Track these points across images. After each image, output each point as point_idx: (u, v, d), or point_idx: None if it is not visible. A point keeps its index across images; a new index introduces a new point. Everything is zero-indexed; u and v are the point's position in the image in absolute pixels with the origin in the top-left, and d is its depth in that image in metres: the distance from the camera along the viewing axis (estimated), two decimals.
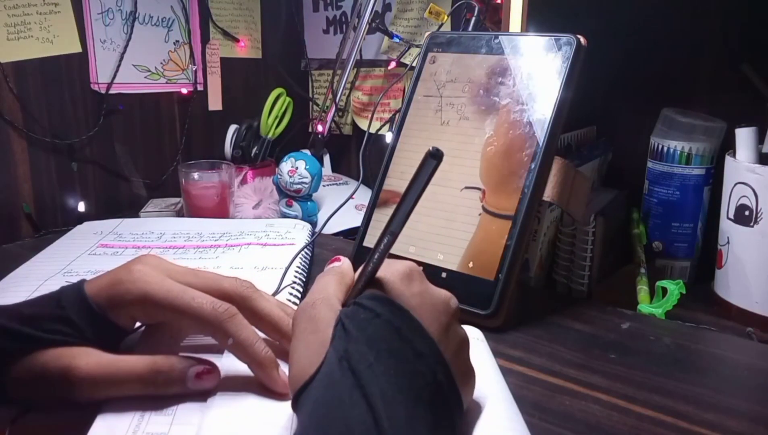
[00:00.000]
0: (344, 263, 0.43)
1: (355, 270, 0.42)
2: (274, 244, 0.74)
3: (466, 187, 0.63)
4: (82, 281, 0.44)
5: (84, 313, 0.42)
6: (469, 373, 0.40)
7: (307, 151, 1.03)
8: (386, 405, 0.31)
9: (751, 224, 0.66)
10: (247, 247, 0.74)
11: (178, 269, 0.45)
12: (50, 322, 0.42)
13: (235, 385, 0.42)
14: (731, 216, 0.68)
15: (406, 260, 0.41)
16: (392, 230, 0.38)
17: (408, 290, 0.38)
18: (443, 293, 0.40)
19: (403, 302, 0.37)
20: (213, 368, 0.42)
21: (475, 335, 0.51)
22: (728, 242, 0.69)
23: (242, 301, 0.45)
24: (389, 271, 0.39)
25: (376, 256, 0.39)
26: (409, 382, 0.33)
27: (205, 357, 0.43)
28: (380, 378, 0.32)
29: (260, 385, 0.42)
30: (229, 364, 0.43)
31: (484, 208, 0.62)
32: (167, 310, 0.43)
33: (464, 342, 0.40)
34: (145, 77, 1.02)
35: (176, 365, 0.41)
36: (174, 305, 0.42)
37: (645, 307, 0.66)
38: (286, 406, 0.40)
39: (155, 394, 0.41)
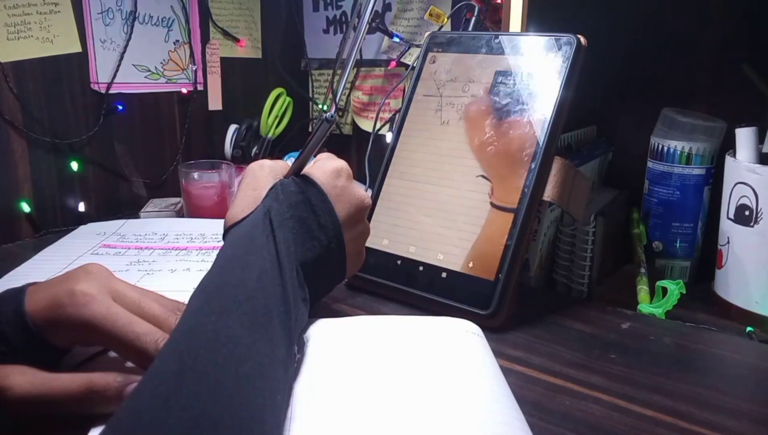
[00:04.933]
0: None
1: None
2: None
3: (480, 176, 0.63)
4: (24, 289, 0.41)
5: (20, 332, 0.40)
6: (359, 255, 0.57)
7: None
8: (284, 245, 0.45)
9: (751, 224, 0.66)
10: None
11: (125, 292, 0.43)
12: None
13: None
14: (731, 216, 0.68)
15: (343, 162, 0.54)
16: (327, 117, 0.49)
17: (333, 181, 0.52)
18: (360, 193, 0.54)
19: (326, 189, 0.51)
20: None
21: (471, 330, 0.51)
22: (728, 242, 0.69)
23: None
24: (325, 166, 0.53)
25: (311, 142, 0.50)
26: (305, 240, 0.48)
27: None
28: (287, 230, 0.47)
29: None
30: None
31: (492, 204, 0.61)
32: (110, 342, 0.41)
33: (365, 232, 0.56)
34: (145, 77, 1.02)
35: (112, 383, 0.39)
36: (117, 339, 0.40)
37: (645, 307, 0.67)
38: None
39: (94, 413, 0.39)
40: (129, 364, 0.43)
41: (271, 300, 0.41)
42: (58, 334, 0.41)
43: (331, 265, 0.52)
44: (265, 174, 0.52)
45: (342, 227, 0.51)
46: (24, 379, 0.39)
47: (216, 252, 0.73)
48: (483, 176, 0.63)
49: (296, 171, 0.52)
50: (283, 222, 0.47)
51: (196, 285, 0.63)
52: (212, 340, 0.35)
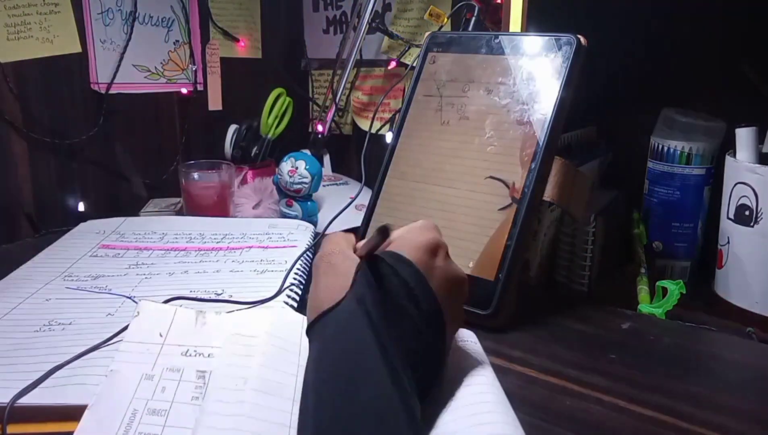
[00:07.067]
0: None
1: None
2: (276, 247, 0.74)
3: (491, 177, 0.62)
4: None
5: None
6: (460, 321, 0.47)
7: (307, 151, 1.02)
8: (390, 339, 0.38)
9: (751, 224, 0.66)
10: (248, 250, 0.74)
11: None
12: None
13: (230, 390, 0.42)
14: (731, 216, 0.68)
15: (436, 236, 0.45)
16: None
17: (432, 262, 0.43)
18: (459, 275, 0.45)
19: (424, 271, 0.42)
20: None
21: (466, 337, 0.51)
22: (728, 242, 0.69)
23: None
24: (417, 238, 0.44)
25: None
26: (406, 331, 0.40)
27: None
28: (389, 324, 0.39)
29: (254, 390, 0.42)
30: (223, 369, 0.43)
31: (514, 199, 0.60)
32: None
33: (462, 312, 0.47)
34: (145, 77, 1.02)
35: None
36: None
37: (645, 307, 0.67)
38: (280, 410, 0.40)
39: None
40: None
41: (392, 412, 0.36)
42: None
43: (431, 358, 0.42)
44: (339, 260, 0.44)
45: (443, 316, 0.42)
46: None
47: (214, 253, 0.74)
48: (493, 177, 0.62)
49: (371, 250, 0.43)
50: (384, 317, 0.39)
51: (193, 287, 0.63)
52: None
